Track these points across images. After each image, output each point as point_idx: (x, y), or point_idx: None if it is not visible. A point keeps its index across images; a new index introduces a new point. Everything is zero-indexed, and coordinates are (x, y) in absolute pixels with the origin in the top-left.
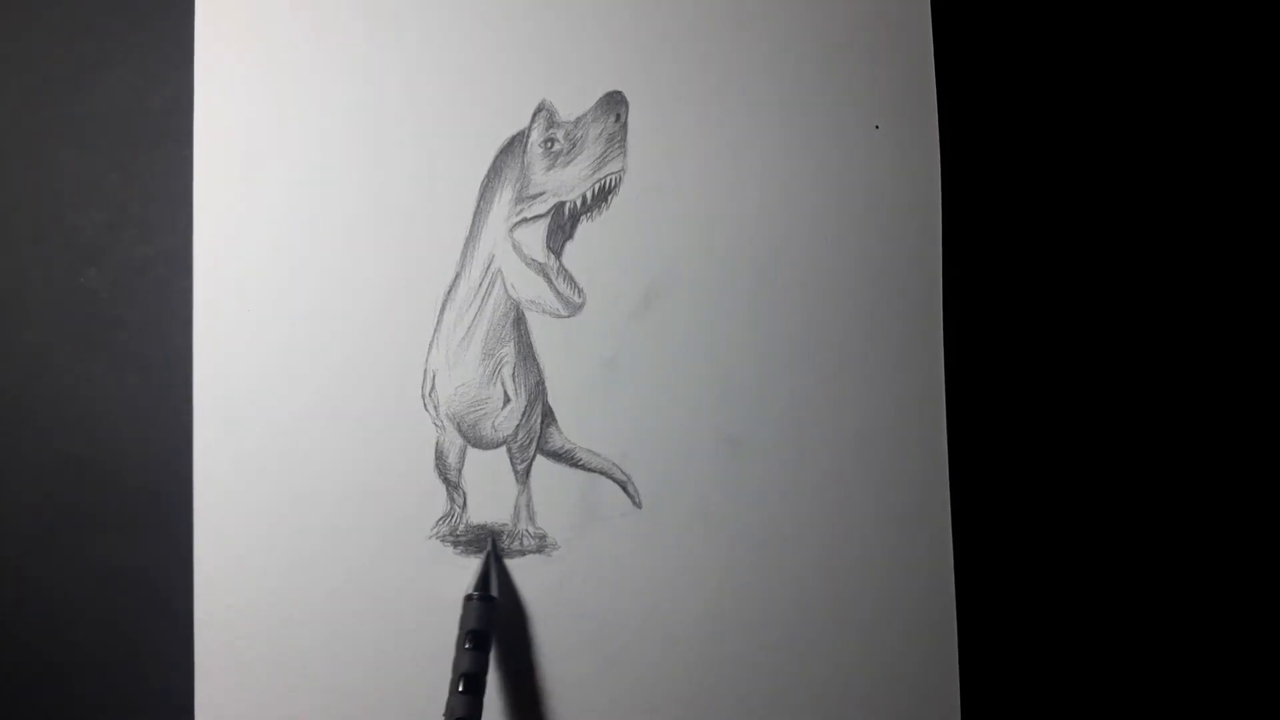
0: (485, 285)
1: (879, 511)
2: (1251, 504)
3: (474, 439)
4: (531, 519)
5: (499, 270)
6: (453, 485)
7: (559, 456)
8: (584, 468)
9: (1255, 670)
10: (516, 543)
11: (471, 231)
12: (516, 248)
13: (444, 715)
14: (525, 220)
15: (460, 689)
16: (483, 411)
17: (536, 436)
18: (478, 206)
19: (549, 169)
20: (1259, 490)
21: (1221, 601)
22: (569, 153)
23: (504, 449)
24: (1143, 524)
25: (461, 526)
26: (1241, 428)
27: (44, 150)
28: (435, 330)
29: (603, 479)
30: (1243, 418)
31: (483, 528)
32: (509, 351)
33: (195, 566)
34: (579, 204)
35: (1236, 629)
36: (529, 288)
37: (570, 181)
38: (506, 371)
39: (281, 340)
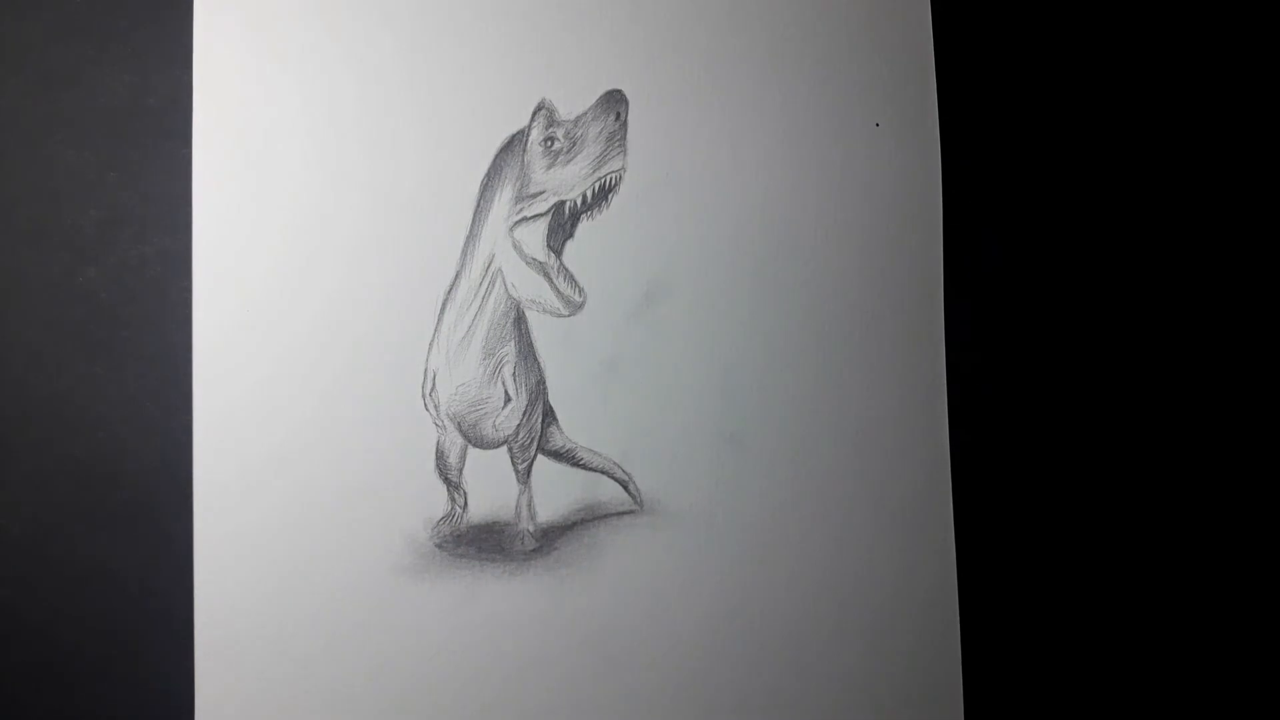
0: (485, 284)
1: (881, 510)
2: (1253, 502)
3: (475, 439)
4: (533, 518)
5: (499, 269)
6: (453, 485)
7: (560, 456)
8: (585, 467)
9: (1255, 670)
10: (518, 542)
11: (472, 230)
12: (517, 247)
13: None
14: (525, 219)
15: None
16: (483, 411)
17: (537, 436)
18: (478, 205)
19: (549, 168)
20: (1260, 488)
21: (1223, 601)
22: (569, 151)
23: (505, 449)
24: (1145, 522)
25: (463, 526)
26: (1243, 426)
27: (43, 149)
28: (435, 330)
29: (604, 478)
30: (1244, 416)
31: (484, 528)
32: (509, 351)
33: (195, 566)
34: (579, 203)
35: (1238, 629)
36: (529, 287)
37: (570, 180)
38: (507, 371)
39: (281, 340)
